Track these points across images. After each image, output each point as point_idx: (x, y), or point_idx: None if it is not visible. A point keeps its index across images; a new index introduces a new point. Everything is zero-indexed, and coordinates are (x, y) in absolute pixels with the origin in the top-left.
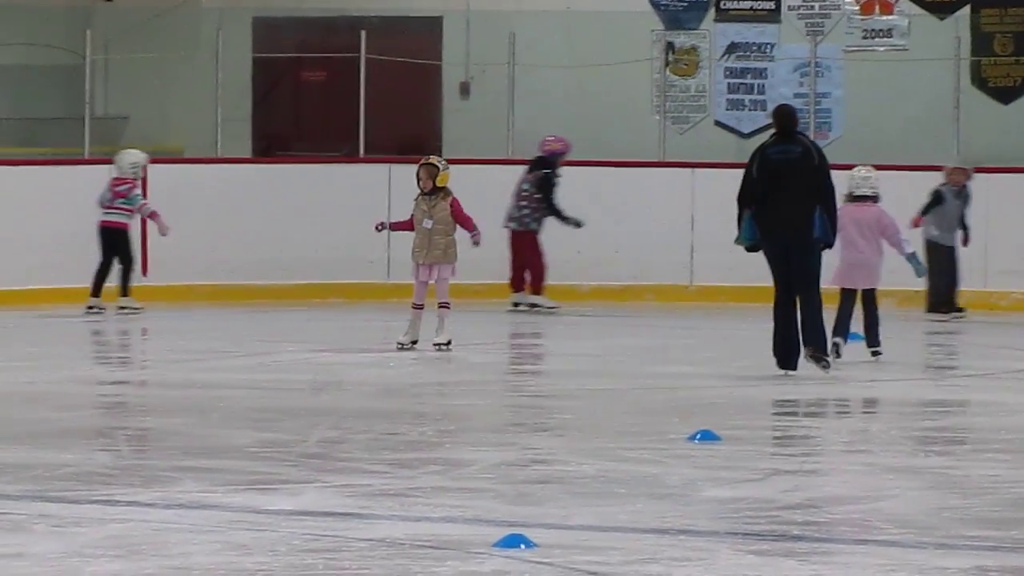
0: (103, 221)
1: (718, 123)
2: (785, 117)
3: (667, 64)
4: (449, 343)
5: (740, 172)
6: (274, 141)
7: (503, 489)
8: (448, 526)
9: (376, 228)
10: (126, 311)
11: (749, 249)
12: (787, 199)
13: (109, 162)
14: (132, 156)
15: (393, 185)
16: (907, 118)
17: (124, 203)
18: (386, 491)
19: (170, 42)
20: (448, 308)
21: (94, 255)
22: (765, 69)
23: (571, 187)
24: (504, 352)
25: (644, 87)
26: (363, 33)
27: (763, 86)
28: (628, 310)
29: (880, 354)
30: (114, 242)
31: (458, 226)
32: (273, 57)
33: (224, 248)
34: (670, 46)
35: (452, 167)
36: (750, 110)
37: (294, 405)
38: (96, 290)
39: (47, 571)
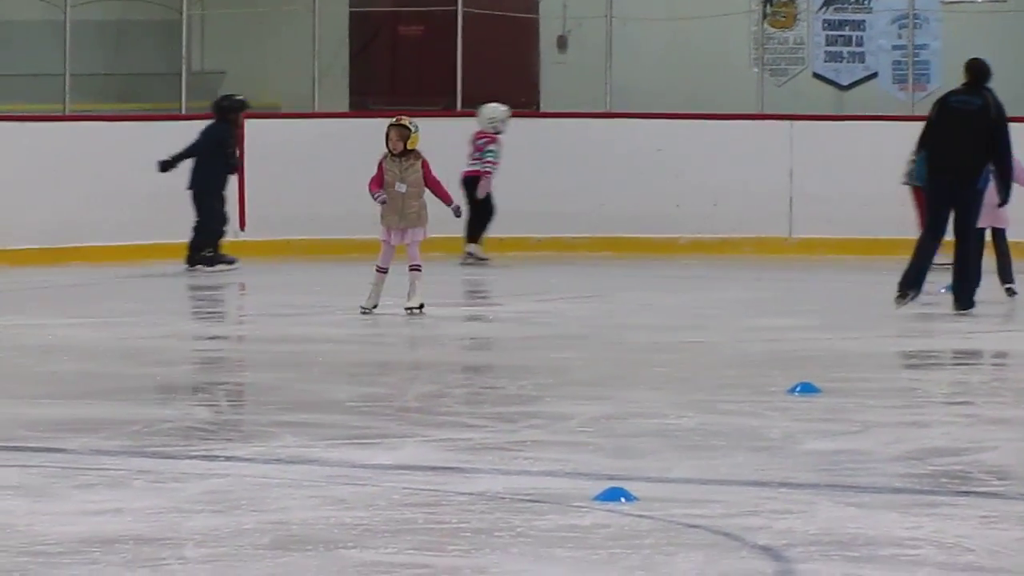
0: (464, 172)
1: (816, 75)
2: (974, 70)
3: (765, 16)
4: (421, 307)
5: (838, 124)
6: (371, 95)
7: (603, 443)
8: (548, 480)
9: (381, 201)
10: (471, 260)
11: (922, 190)
12: (957, 147)
13: (205, 117)
14: (488, 110)
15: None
16: (1005, 70)
17: (480, 155)
18: (486, 445)
19: None
20: (419, 271)
21: (191, 210)
22: (863, 21)
23: (670, 140)
24: (602, 305)
25: (742, 40)
26: None
27: (861, 38)
28: (727, 263)
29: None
30: (473, 192)
31: (428, 191)
32: (370, 11)
33: (321, 202)
34: None
35: (550, 121)
36: (848, 62)
37: (393, 359)
38: (473, 237)
39: (146, 527)
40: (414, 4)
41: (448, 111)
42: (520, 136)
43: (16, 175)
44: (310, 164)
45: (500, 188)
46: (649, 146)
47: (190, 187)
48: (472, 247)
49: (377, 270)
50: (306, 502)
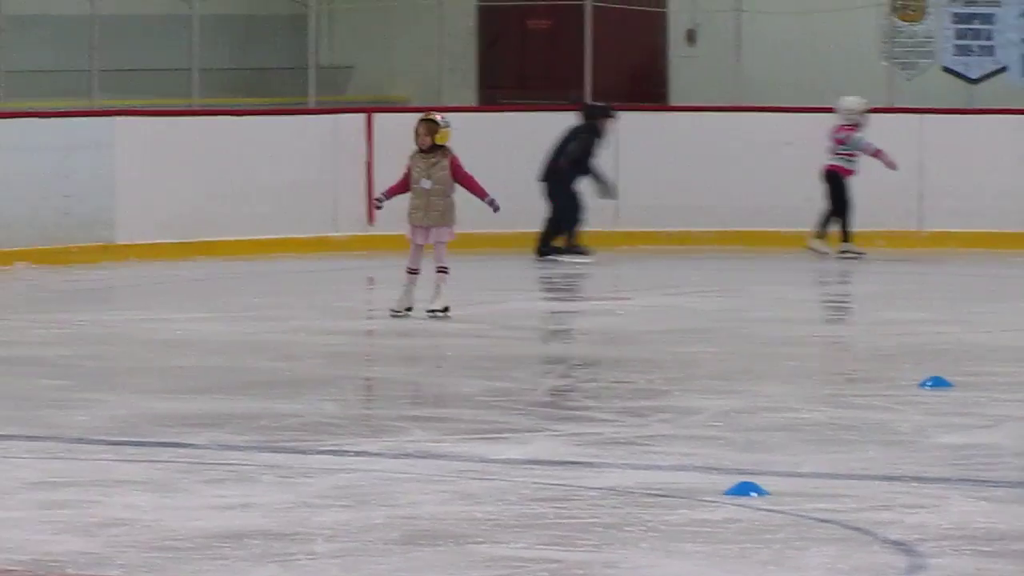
0: (826, 166)
1: (946, 69)
2: None
3: (894, 10)
4: (446, 309)
5: (968, 117)
6: (499, 89)
7: (733, 437)
8: (678, 474)
9: (375, 206)
10: (848, 255)
11: None
12: None
13: (334, 111)
14: (846, 102)
15: (621, 133)
16: None
17: (843, 148)
18: (616, 439)
19: None
20: (446, 273)
21: (319, 204)
22: (992, 14)
23: (799, 133)
24: (731, 299)
25: (871, 33)
26: None
27: (990, 32)
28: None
29: None
30: (832, 186)
31: (460, 187)
32: (498, 5)
33: None
34: None
35: (679, 115)
36: (978, 55)
37: (523, 353)
38: (842, 236)
39: (275, 522)
40: None
41: (577, 105)
42: (648, 130)
43: (144, 169)
44: None
45: (630, 181)
46: (778, 140)
47: (543, 179)
48: (844, 245)
49: (408, 271)
50: (436, 497)
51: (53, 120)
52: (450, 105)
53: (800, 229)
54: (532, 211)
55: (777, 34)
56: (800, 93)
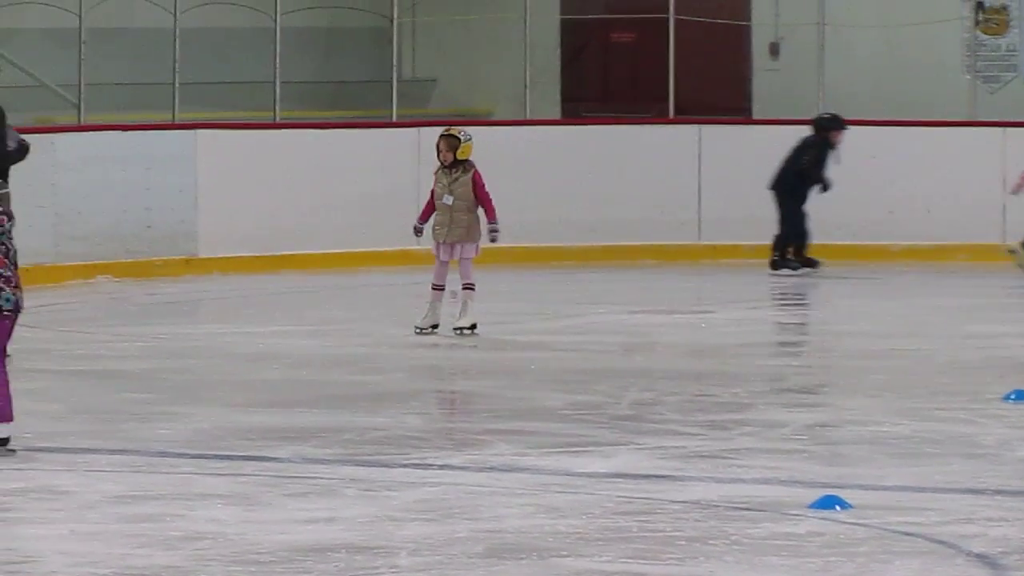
0: None
1: None
2: None
3: (977, 23)
4: (473, 327)
5: None
6: (583, 102)
7: (817, 450)
8: (762, 487)
9: (416, 235)
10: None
11: None
12: None
13: (417, 124)
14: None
15: (703, 146)
16: None
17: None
18: (699, 453)
19: (477, 3)
20: (472, 289)
21: (401, 217)
22: None
23: (881, 147)
24: (815, 312)
25: (954, 46)
26: None
27: None
28: (940, 269)
29: None
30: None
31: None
32: (582, 18)
33: (533, 210)
34: (980, 5)
35: (761, 128)
36: None
37: (606, 367)
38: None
39: (359, 535)
40: (626, 11)
41: (660, 118)
42: (731, 142)
43: (227, 183)
44: (522, 171)
45: (713, 194)
46: (861, 153)
47: (772, 187)
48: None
49: (432, 288)
50: (520, 510)
51: (135, 133)
52: (533, 118)
53: (882, 242)
54: (612, 224)
55: (860, 47)
56: (882, 106)
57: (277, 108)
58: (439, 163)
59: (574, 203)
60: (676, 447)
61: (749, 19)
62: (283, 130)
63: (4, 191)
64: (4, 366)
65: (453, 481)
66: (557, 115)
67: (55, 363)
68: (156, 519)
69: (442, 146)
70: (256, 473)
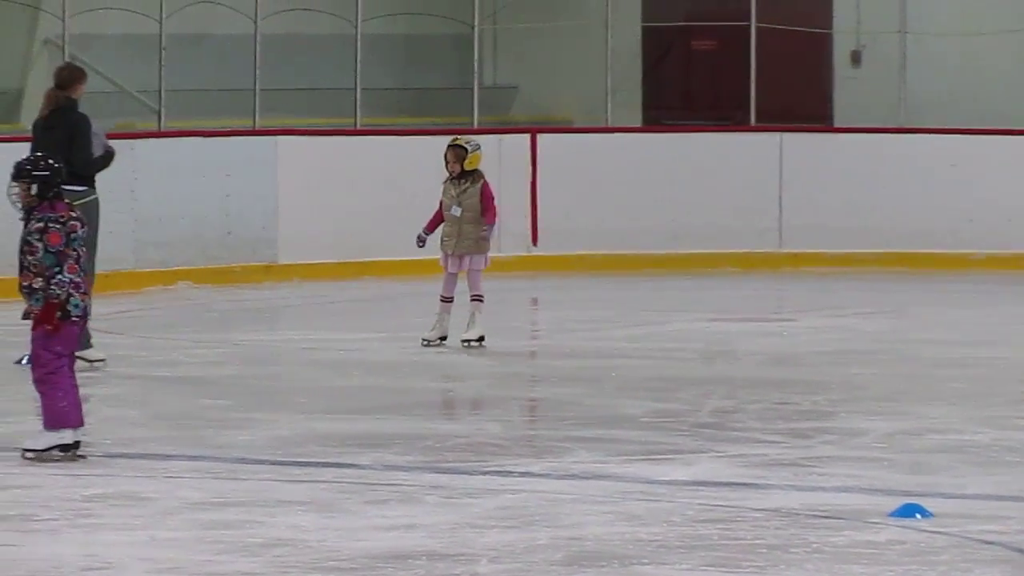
0: None
1: None
2: None
3: None
4: (481, 339)
5: None
6: (664, 110)
7: (898, 458)
8: (843, 496)
9: (418, 244)
10: None
11: None
12: None
13: (498, 132)
14: None
15: (785, 154)
16: None
17: None
18: (780, 461)
19: (558, 10)
20: (481, 301)
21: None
22: None
23: (962, 155)
24: (895, 320)
25: None
26: (753, 1)
27: None
28: (1021, 277)
29: None
30: None
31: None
32: (663, 26)
33: (614, 217)
34: None
35: (843, 136)
36: None
37: (687, 375)
38: None
39: (439, 542)
40: (707, 19)
41: (741, 126)
42: (813, 151)
43: (308, 189)
44: (603, 179)
45: (794, 202)
46: (943, 161)
47: None
48: None
49: (441, 300)
50: (600, 518)
51: (216, 140)
52: (614, 126)
53: (962, 251)
54: (694, 231)
55: (942, 55)
56: (963, 114)
57: (358, 115)
58: (447, 173)
59: (655, 211)
60: (757, 455)
61: (831, 27)
62: (363, 137)
63: (92, 198)
64: (73, 371)
65: (534, 488)
66: (638, 123)
67: (135, 369)
68: (236, 526)
69: (449, 156)
70: (336, 480)
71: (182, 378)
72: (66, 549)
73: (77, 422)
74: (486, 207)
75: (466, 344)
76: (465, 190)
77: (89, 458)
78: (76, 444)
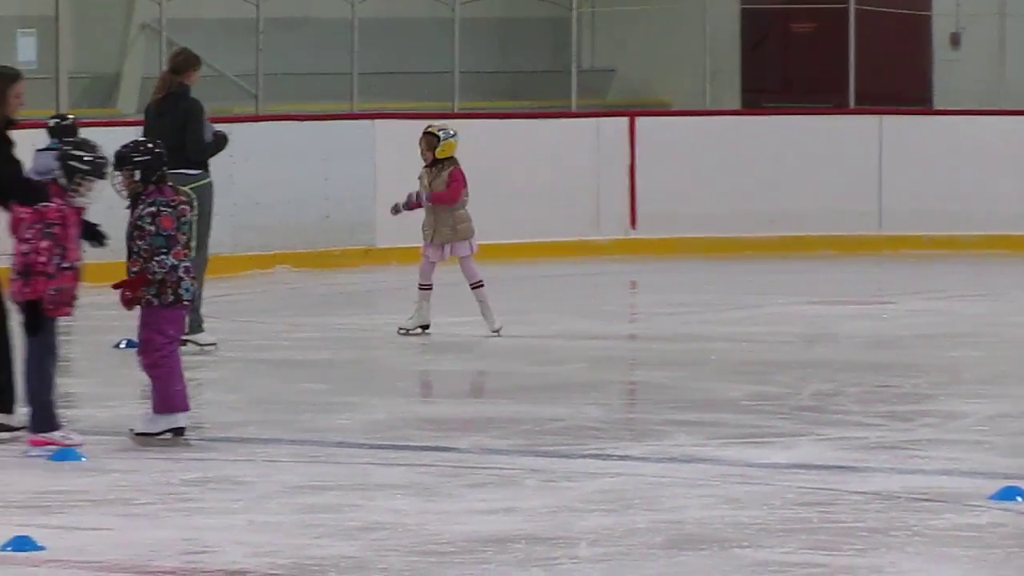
0: None
1: None
2: None
3: None
4: (499, 329)
5: None
6: (763, 93)
7: (998, 441)
8: (943, 479)
9: (392, 211)
10: None
11: None
12: None
13: (596, 115)
14: None
15: (884, 137)
16: None
17: None
18: (881, 444)
19: None
20: (482, 286)
21: (580, 207)
22: None
23: None
24: (995, 303)
25: None
26: None
27: None
28: None
29: None
30: None
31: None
32: (762, 8)
33: (712, 201)
34: None
35: (943, 119)
36: None
37: (786, 358)
38: None
39: (538, 526)
40: (806, 1)
41: (839, 109)
42: (912, 133)
43: (409, 173)
44: (701, 162)
45: (893, 185)
46: None
47: None
48: None
49: (419, 288)
50: (700, 501)
51: (313, 123)
52: (713, 108)
53: None
54: (792, 214)
55: None
56: None
57: (456, 98)
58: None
59: (754, 194)
60: (857, 438)
61: (930, 9)
62: (461, 120)
63: (206, 181)
64: (178, 355)
65: (633, 472)
66: (737, 105)
67: (233, 353)
68: (335, 509)
69: (422, 145)
70: (435, 463)
71: (280, 362)
72: (165, 533)
73: (184, 406)
74: (448, 186)
75: (497, 333)
76: (436, 177)
77: (188, 442)
78: (182, 430)
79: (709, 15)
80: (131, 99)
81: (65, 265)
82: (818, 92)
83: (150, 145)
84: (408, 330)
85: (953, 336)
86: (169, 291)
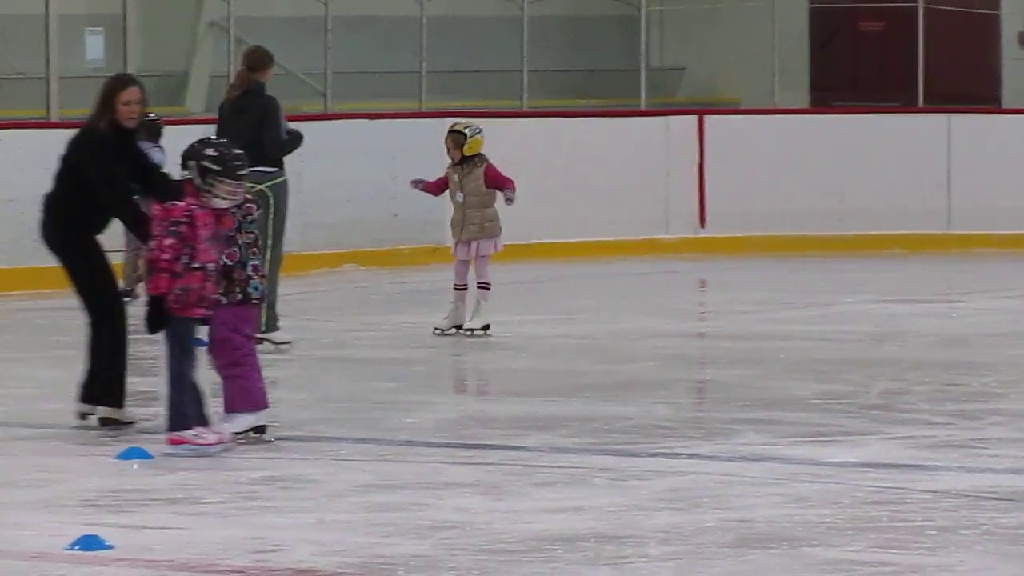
0: None
1: None
2: None
3: None
4: (486, 328)
5: None
6: (831, 91)
7: None
8: (1013, 477)
9: (412, 185)
10: None
11: None
12: None
13: (665, 113)
14: None
15: (953, 135)
16: None
17: None
18: (950, 442)
19: None
20: (488, 289)
21: (650, 205)
22: None
23: None
24: None
25: None
26: None
27: None
28: None
29: None
30: None
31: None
32: (830, 7)
33: (781, 199)
34: None
35: (1011, 117)
36: None
37: (855, 356)
38: None
39: (607, 524)
40: (875, 0)
41: (908, 107)
42: (981, 132)
43: None
44: (770, 160)
45: (962, 183)
46: None
47: None
48: None
49: (455, 288)
50: (769, 499)
51: (382, 122)
52: (781, 107)
53: None
54: (861, 212)
55: None
56: None
57: (525, 97)
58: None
59: (822, 192)
60: (926, 436)
61: (999, 8)
62: (531, 118)
63: (282, 179)
64: (256, 354)
65: (702, 470)
66: (805, 104)
67: (302, 352)
68: (404, 508)
69: (448, 143)
70: (504, 462)
71: (350, 361)
72: (234, 532)
73: (262, 404)
74: (502, 182)
75: (469, 333)
76: (467, 175)
77: (271, 440)
78: (263, 428)
79: (778, 13)
80: (199, 97)
81: (195, 265)
82: (887, 91)
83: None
84: (443, 330)
85: (1022, 334)
86: (237, 290)
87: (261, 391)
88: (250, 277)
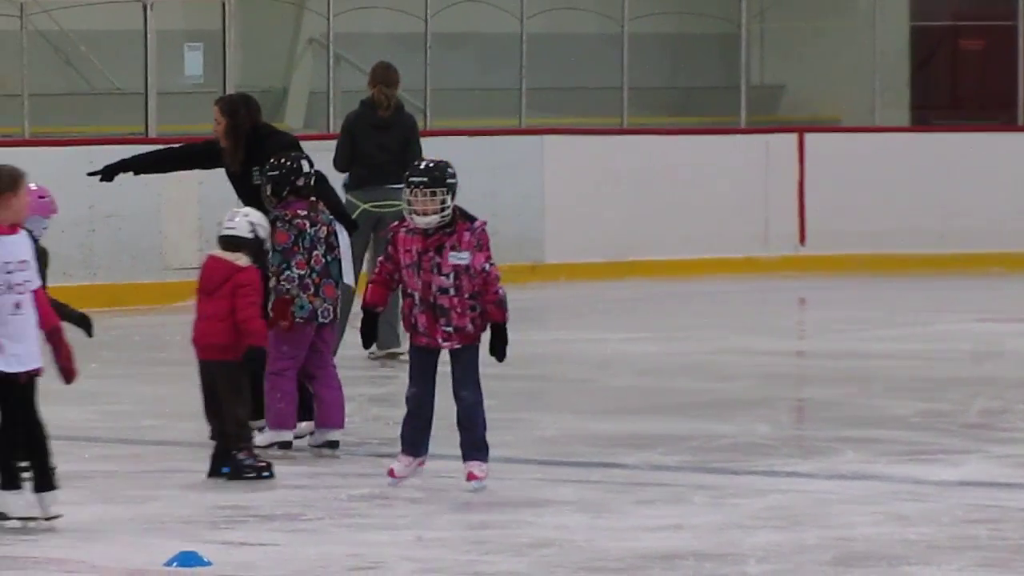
0: None
1: None
2: None
3: None
4: None
5: None
6: (931, 110)
7: None
8: None
9: None
10: None
11: None
12: None
13: (765, 131)
14: None
15: None
16: None
17: None
18: None
19: (826, 10)
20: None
21: (749, 224)
22: None
23: None
24: None
25: None
26: (1021, 1)
27: None
28: None
29: None
30: None
31: None
32: (931, 25)
33: (881, 217)
34: None
35: None
36: None
37: (955, 375)
38: None
39: (707, 543)
40: (975, 18)
41: (1009, 126)
42: None
43: (574, 188)
44: (871, 179)
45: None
46: None
47: None
48: None
49: None
50: (868, 518)
51: (481, 139)
52: (882, 125)
53: None
54: (961, 231)
55: None
56: None
57: (625, 114)
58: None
59: (922, 211)
60: None
61: None
62: (630, 136)
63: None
64: (336, 371)
65: (802, 488)
66: (906, 122)
67: (398, 370)
68: (502, 526)
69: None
70: (604, 480)
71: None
72: (332, 548)
73: (339, 423)
74: None
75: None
76: None
77: (355, 458)
78: (335, 443)
79: (878, 32)
80: (298, 113)
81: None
82: (987, 109)
83: (284, 160)
84: None
85: None
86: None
87: (280, 411)
88: (298, 295)
